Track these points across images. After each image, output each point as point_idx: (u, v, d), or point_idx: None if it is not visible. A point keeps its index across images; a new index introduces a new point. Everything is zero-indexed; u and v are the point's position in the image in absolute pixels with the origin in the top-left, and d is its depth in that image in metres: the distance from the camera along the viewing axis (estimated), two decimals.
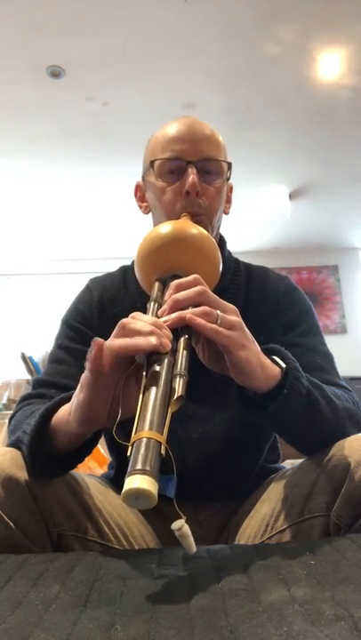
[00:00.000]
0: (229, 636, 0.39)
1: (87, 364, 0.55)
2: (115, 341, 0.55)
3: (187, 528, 0.51)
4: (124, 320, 0.57)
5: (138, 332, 0.55)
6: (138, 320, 0.57)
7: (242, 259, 0.99)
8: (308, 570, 0.51)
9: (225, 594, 0.47)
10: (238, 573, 0.52)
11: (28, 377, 3.26)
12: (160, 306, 0.63)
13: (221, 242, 0.95)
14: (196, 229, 0.72)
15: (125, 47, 2.55)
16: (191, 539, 0.51)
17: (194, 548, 0.52)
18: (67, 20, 2.38)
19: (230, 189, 0.94)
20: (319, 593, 0.45)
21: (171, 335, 0.57)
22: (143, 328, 0.55)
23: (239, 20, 2.42)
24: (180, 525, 0.50)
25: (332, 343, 0.96)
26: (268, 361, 0.65)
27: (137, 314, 0.59)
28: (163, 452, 0.47)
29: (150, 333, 0.55)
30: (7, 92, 2.84)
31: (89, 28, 2.43)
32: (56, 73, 2.70)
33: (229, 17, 2.40)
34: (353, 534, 0.62)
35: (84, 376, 0.56)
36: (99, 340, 0.54)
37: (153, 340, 0.54)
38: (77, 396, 0.58)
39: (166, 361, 0.55)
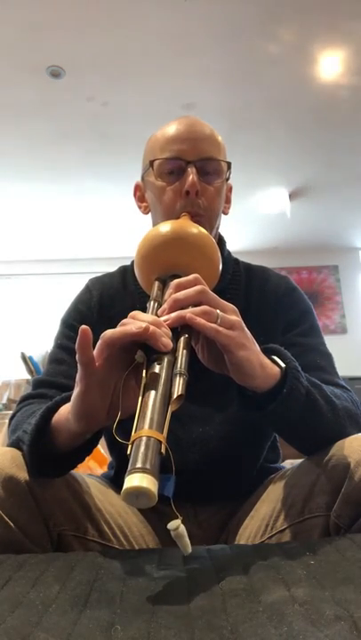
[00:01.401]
0: (229, 636, 0.39)
1: (77, 356, 0.55)
2: (107, 332, 0.56)
3: (183, 528, 0.51)
4: (125, 320, 0.57)
5: None
6: (137, 319, 0.57)
7: (242, 259, 0.99)
8: (308, 570, 0.51)
9: (225, 594, 0.47)
10: (238, 573, 0.52)
11: (28, 377, 3.26)
12: (160, 305, 0.63)
13: (221, 242, 0.95)
14: (195, 229, 0.72)
15: (125, 47, 2.55)
16: (187, 539, 0.51)
17: (189, 549, 0.52)
18: (67, 20, 2.38)
19: (230, 189, 0.94)
20: (319, 593, 0.45)
21: (170, 334, 0.57)
22: (140, 323, 0.56)
23: (239, 20, 2.42)
24: (177, 525, 0.50)
25: (332, 343, 0.96)
26: (267, 361, 0.65)
27: (137, 313, 0.58)
28: (163, 450, 0.47)
29: (147, 328, 0.55)
30: (7, 93, 2.84)
31: (89, 28, 2.43)
32: (56, 73, 2.70)
33: (229, 17, 2.40)
34: (353, 534, 0.62)
35: (78, 370, 0.56)
36: (84, 327, 0.54)
37: (143, 324, 0.54)
38: (75, 390, 0.58)
39: (166, 360, 0.55)
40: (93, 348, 0.58)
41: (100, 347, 0.56)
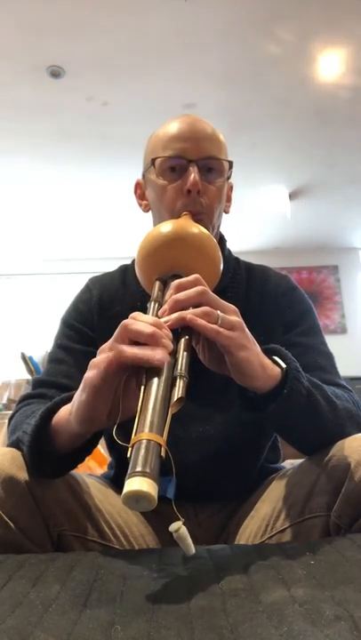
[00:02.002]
0: (229, 636, 0.39)
1: (101, 371, 0.54)
2: (127, 350, 0.54)
3: (184, 530, 0.50)
4: (126, 321, 0.57)
5: (140, 334, 0.55)
6: (139, 321, 0.57)
7: (242, 259, 0.99)
8: (308, 570, 0.51)
9: (225, 594, 0.47)
10: (238, 573, 0.52)
11: (28, 377, 3.26)
12: (160, 305, 0.63)
13: (221, 241, 0.94)
14: (197, 229, 0.72)
15: (125, 47, 2.55)
16: (189, 540, 0.51)
17: (192, 550, 0.51)
18: (67, 20, 2.38)
19: (231, 188, 0.94)
20: (319, 593, 0.45)
21: (171, 335, 0.57)
22: (145, 329, 0.55)
23: (239, 19, 2.42)
24: (178, 527, 0.50)
25: (333, 343, 0.95)
26: (268, 361, 0.65)
27: (137, 314, 0.58)
28: (163, 453, 0.47)
29: (152, 335, 0.54)
30: (7, 93, 2.84)
31: (89, 28, 2.43)
32: (56, 73, 2.70)
33: (229, 17, 2.40)
34: (353, 534, 0.62)
35: (91, 377, 0.56)
36: (125, 351, 0.54)
37: (163, 357, 0.54)
38: (79, 396, 0.58)
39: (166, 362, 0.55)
40: (95, 348, 0.58)
41: (115, 360, 0.55)
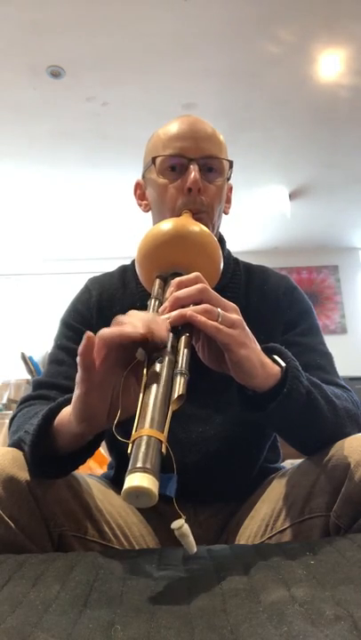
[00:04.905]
0: (229, 636, 0.39)
1: (78, 359, 0.55)
2: (104, 331, 0.55)
3: (186, 527, 0.50)
4: (120, 316, 0.57)
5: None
6: (134, 317, 0.57)
7: (242, 259, 0.99)
8: (308, 570, 0.51)
9: (225, 594, 0.47)
10: (238, 573, 0.52)
11: (28, 377, 3.25)
12: (161, 303, 0.63)
13: (221, 241, 0.94)
14: (197, 227, 0.72)
15: (125, 47, 2.55)
16: (191, 538, 0.51)
17: (194, 548, 0.51)
18: (67, 20, 2.38)
19: (230, 189, 0.94)
20: (319, 593, 0.45)
21: (169, 327, 0.57)
22: (137, 323, 0.55)
23: (239, 19, 2.42)
24: (180, 525, 0.50)
25: (332, 343, 0.95)
26: (268, 360, 0.65)
27: (134, 312, 0.58)
28: (163, 450, 0.47)
29: (144, 335, 0.55)
30: (7, 93, 2.84)
31: (89, 28, 2.43)
32: (56, 73, 2.70)
33: (229, 17, 2.40)
34: (353, 534, 0.62)
35: (78, 372, 0.56)
36: (89, 333, 0.54)
37: (139, 326, 0.54)
38: (75, 392, 0.58)
39: (167, 359, 0.55)
40: None
41: (97, 346, 0.56)
